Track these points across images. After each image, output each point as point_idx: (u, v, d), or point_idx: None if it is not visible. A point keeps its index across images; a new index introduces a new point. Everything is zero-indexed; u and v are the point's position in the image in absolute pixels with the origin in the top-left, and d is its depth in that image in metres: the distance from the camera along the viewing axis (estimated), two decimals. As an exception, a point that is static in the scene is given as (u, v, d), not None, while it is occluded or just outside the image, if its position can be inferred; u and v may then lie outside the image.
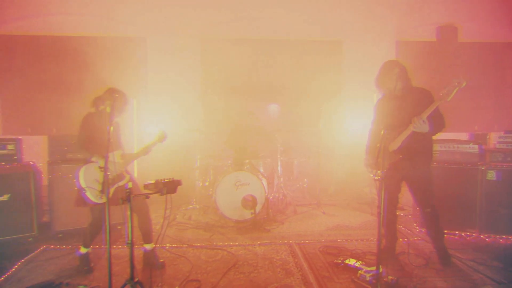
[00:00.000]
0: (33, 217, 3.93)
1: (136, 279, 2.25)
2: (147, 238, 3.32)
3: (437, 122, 3.06)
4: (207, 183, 5.37)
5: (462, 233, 4.09)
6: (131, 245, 2.13)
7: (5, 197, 3.78)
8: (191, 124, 5.95)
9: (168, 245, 3.89)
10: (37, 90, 6.83)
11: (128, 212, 2.15)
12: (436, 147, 4.31)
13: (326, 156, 6.55)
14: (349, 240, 3.99)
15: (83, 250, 3.26)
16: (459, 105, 6.14)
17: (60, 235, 4.07)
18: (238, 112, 6.14)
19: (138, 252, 3.60)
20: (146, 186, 2.27)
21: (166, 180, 2.20)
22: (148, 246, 3.33)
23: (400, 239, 3.98)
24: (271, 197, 5.17)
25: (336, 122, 6.91)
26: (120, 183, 3.03)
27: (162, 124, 6.17)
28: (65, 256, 3.60)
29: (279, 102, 6.96)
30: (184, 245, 3.87)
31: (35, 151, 6.17)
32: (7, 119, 6.83)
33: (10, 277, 3.14)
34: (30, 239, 3.93)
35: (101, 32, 6.76)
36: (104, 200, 2.89)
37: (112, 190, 2.92)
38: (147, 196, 2.27)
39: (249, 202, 4.64)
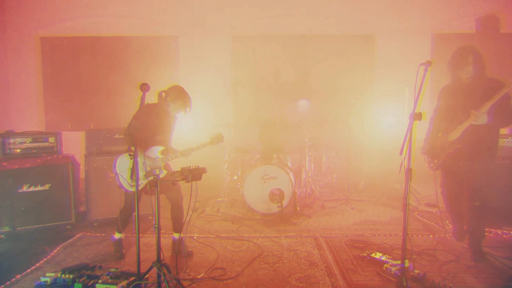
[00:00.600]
0: (71, 206, 4.17)
1: (163, 262, 2.35)
2: (177, 227, 3.43)
3: (502, 115, 2.92)
4: (235, 177, 5.46)
5: (499, 231, 3.91)
6: (158, 228, 2.23)
7: (47, 187, 4.04)
8: (221, 120, 6.05)
9: (196, 235, 4.00)
10: (76, 88, 7.22)
11: (156, 197, 2.24)
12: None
13: (356, 151, 6.47)
14: (376, 235, 3.92)
15: (117, 236, 3.44)
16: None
17: (95, 224, 4.30)
18: (267, 108, 6.18)
19: (168, 241, 3.75)
20: (173, 174, 2.36)
21: (191, 168, 2.28)
22: (176, 235, 3.44)
23: (431, 236, 3.89)
24: (298, 192, 5.17)
25: (367, 117, 6.78)
26: (161, 175, 3.11)
27: (193, 119, 6.34)
28: (100, 243, 3.80)
29: (309, 98, 6.92)
30: (212, 236, 3.97)
31: (74, 145, 6.54)
32: (50, 116, 7.26)
33: (49, 260, 3.36)
34: (69, 226, 4.17)
35: (136, 32, 7.03)
36: (133, 189, 3.03)
37: (144, 182, 3.01)
38: (173, 183, 2.37)
39: (276, 195, 4.67)
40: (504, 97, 2.85)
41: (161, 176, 3.04)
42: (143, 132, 2.96)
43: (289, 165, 5.30)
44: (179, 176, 2.31)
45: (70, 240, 3.86)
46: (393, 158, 6.33)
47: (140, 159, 3.03)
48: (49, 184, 4.05)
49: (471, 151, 3.04)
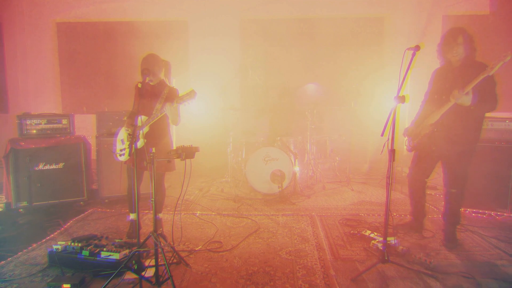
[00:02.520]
0: (84, 184, 4.46)
1: (160, 231, 2.57)
2: (159, 208, 3.60)
3: (484, 98, 2.88)
4: (240, 159, 5.66)
5: (492, 213, 4.01)
6: (154, 202, 2.44)
7: (60, 165, 4.33)
8: (229, 103, 6.22)
9: (199, 212, 4.24)
10: (91, 72, 7.49)
11: (153, 173, 2.45)
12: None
13: (360, 134, 6.56)
14: (370, 215, 4.07)
15: (131, 216, 3.56)
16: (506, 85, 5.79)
17: (106, 201, 4.59)
18: (274, 91, 6.30)
19: (169, 217, 4.00)
20: (169, 153, 2.56)
21: (185, 146, 2.47)
22: (159, 215, 3.60)
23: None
24: (300, 173, 5.33)
25: (373, 101, 6.82)
26: (138, 145, 3.19)
27: (201, 102, 6.54)
28: (109, 218, 4.08)
29: (317, 81, 6.99)
30: (213, 213, 4.20)
31: (89, 127, 6.86)
32: (66, 99, 7.57)
33: (63, 232, 3.66)
34: (82, 202, 4.47)
35: (147, 17, 7.19)
36: (121, 158, 3.32)
37: (127, 151, 3.23)
38: (169, 160, 2.56)
39: (278, 176, 4.85)
40: (489, 81, 2.84)
41: (138, 145, 3.15)
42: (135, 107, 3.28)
43: (292, 147, 5.45)
44: (174, 155, 2.50)
45: (82, 215, 4.16)
46: (398, 142, 6.44)
47: (123, 130, 3.32)
48: (63, 163, 4.34)
49: (448, 134, 3.02)
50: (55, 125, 4.41)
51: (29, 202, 4.17)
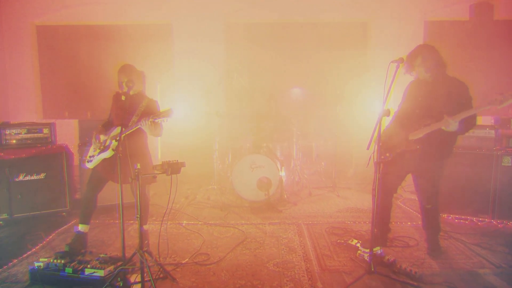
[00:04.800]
0: (66, 194, 4.35)
1: (145, 248, 2.53)
2: (144, 220, 3.48)
3: (469, 123, 2.87)
4: (226, 165, 5.63)
5: (474, 219, 4.09)
6: (140, 218, 2.40)
7: (42, 176, 4.21)
8: (213, 108, 6.19)
9: (185, 222, 4.20)
10: (73, 77, 7.33)
11: (137, 190, 2.41)
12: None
13: (345, 139, 6.61)
14: (356, 222, 4.11)
15: (79, 227, 3.30)
16: (485, 86, 5.93)
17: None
18: (259, 96, 6.29)
19: (157, 227, 3.94)
20: (154, 167, 2.52)
21: (171, 162, 2.44)
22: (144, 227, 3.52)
23: (409, 223, 4.08)
24: (286, 180, 5.34)
25: (358, 105, 6.90)
26: (105, 155, 3.16)
27: (186, 107, 6.48)
28: (93, 229, 3.98)
29: (302, 85, 7.03)
30: (200, 222, 4.17)
31: (68, 133, 6.72)
32: (47, 104, 7.40)
33: (45, 245, 3.56)
34: (64, 213, 4.36)
35: (131, 19, 7.08)
36: (88, 165, 3.29)
37: (96, 160, 3.21)
38: (154, 176, 2.52)
39: (264, 183, 4.85)
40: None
41: (105, 155, 3.14)
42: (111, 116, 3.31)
43: (278, 154, 5.46)
44: (160, 170, 2.47)
45: (65, 226, 4.06)
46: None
47: (95, 140, 3.30)
48: (44, 173, 4.23)
49: (429, 153, 3.01)
50: (35, 135, 4.29)
51: (9, 214, 4.04)
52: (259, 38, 7.13)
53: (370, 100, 6.86)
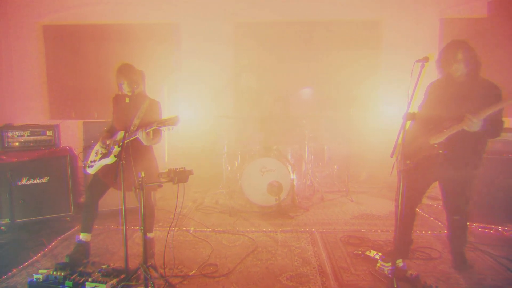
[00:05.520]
0: (70, 198, 4.21)
1: (150, 263, 2.36)
2: (149, 227, 3.34)
3: (493, 126, 2.61)
4: (235, 168, 5.44)
5: (499, 228, 3.84)
6: (144, 230, 2.23)
7: (45, 179, 4.07)
8: (222, 110, 6.01)
9: (192, 228, 4.02)
10: (80, 77, 7.21)
11: (141, 198, 2.23)
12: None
13: (358, 142, 6.39)
14: (373, 230, 3.89)
15: (81, 236, 3.12)
16: (507, 86, 5.66)
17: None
18: (269, 97, 6.11)
19: (163, 234, 3.77)
20: (160, 175, 2.34)
21: (177, 170, 2.25)
22: (149, 235, 3.34)
23: (429, 232, 3.85)
24: (297, 184, 5.14)
25: (370, 107, 6.67)
26: (107, 161, 3.00)
27: (193, 109, 6.32)
28: (98, 235, 3.83)
29: (312, 86, 6.82)
30: (208, 229, 3.98)
31: (75, 134, 6.59)
32: (54, 105, 7.29)
33: (46, 253, 3.41)
34: (68, 218, 4.22)
35: (138, 19, 6.93)
36: (89, 170, 3.12)
37: (97, 166, 3.04)
38: (159, 185, 2.34)
39: (275, 188, 4.65)
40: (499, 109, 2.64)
41: (107, 162, 2.99)
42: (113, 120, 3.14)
43: (289, 156, 5.26)
44: (166, 178, 2.29)
45: (68, 232, 3.91)
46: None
47: (102, 144, 3.12)
48: (48, 177, 4.09)
49: (454, 158, 2.77)
50: (39, 137, 4.15)
51: (11, 219, 3.91)
52: (268, 38, 6.92)
53: (383, 102, 6.63)
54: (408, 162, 2.99)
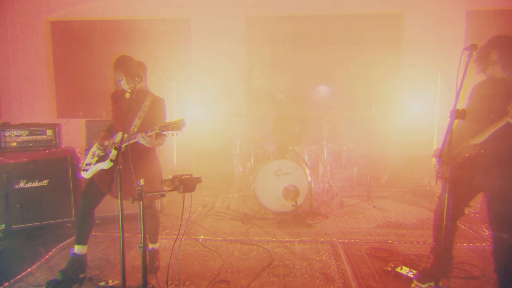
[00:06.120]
0: (71, 203, 3.92)
1: (151, 284, 2.03)
2: (153, 238, 3.02)
3: None
4: (248, 170, 5.09)
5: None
6: (144, 247, 1.90)
7: (44, 183, 3.79)
8: (234, 108, 5.67)
9: (202, 237, 3.69)
10: (88, 74, 6.97)
11: (141, 211, 1.90)
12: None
13: (379, 142, 5.99)
14: (401, 242, 3.49)
15: (75, 249, 2.79)
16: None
17: (97, 221, 4.00)
18: (283, 95, 5.76)
19: (170, 243, 3.45)
20: (163, 182, 2.01)
21: (183, 177, 1.92)
22: (153, 246, 3.02)
23: (465, 244, 3.44)
24: (315, 187, 4.78)
25: (391, 106, 6.25)
26: (103, 166, 2.67)
27: (204, 107, 6.00)
28: (100, 243, 3.54)
29: (329, 83, 6.44)
30: (218, 238, 3.64)
31: (78, 134, 6.35)
32: (61, 103, 7.07)
33: (42, 264, 3.12)
34: (69, 224, 3.93)
35: (147, 14, 6.67)
36: (83, 174, 2.78)
37: (92, 170, 2.72)
38: (162, 194, 2.01)
39: (291, 192, 4.30)
40: None
41: (103, 166, 2.65)
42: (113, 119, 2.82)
43: (306, 158, 4.89)
44: (170, 186, 1.95)
45: (68, 240, 3.62)
46: (420, 150, 5.86)
47: (100, 146, 2.80)
48: (47, 180, 3.80)
49: (498, 158, 2.36)
50: (38, 137, 3.87)
51: (7, 225, 3.63)
52: (283, 33, 6.57)
53: (406, 99, 6.21)
54: (445, 167, 2.59)
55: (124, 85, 2.69)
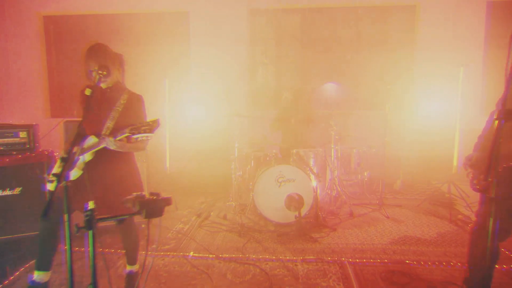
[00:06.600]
0: (48, 213, 3.49)
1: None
2: (131, 259, 2.58)
3: None
4: (247, 176, 4.63)
5: None
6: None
7: (17, 191, 3.38)
8: (234, 107, 5.23)
9: (192, 253, 3.24)
10: (82, 70, 6.58)
11: (90, 242, 1.47)
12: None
13: (392, 144, 5.49)
14: (422, 262, 3.01)
15: (35, 275, 2.35)
16: None
17: (77, 234, 3.61)
18: (289, 93, 5.30)
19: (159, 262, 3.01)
20: (126, 202, 1.57)
21: (146, 198, 1.47)
22: (131, 268, 2.60)
23: (497, 266, 2.94)
24: (321, 195, 4.31)
25: (405, 105, 5.75)
26: (70, 176, 2.22)
27: (201, 107, 5.57)
28: (80, 259, 3.11)
29: (338, 80, 5.96)
30: (211, 256, 3.19)
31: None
32: (55, 102, 6.71)
33: (5, 287, 2.71)
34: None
35: (144, 8, 6.25)
36: (48, 186, 2.37)
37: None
38: (119, 221, 1.56)
39: (294, 202, 3.82)
40: None
41: (72, 175, 2.20)
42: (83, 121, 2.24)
43: (312, 162, 4.42)
44: (131, 207, 1.51)
45: (41, 257, 3.20)
46: (438, 153, 5.35)
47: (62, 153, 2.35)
48: (20, 188, 3.39)
49: None
50: (10, 140, 3.45)
51: (-26, 239, 3.23)
52: (288, 26, 6.10)
53: (420, 99, 5.71)
54: (482, 177, 2.11)
55: (95, 77, 2.25)
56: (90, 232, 1.44)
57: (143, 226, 3.80)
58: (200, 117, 5.54)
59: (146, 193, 1.57)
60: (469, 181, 2.29)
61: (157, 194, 1.48)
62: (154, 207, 1.43)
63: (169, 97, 5.00)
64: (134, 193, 1.58)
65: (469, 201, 4.42)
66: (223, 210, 4.43)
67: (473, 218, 4.14)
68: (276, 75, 6.13)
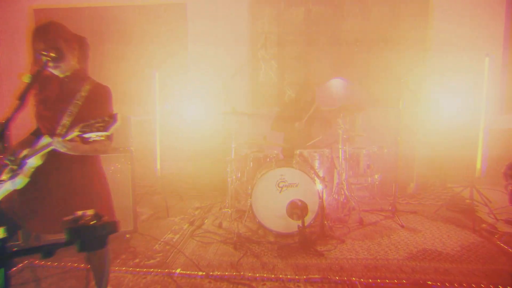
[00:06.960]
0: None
1: None
2: (99, 282, 2.11)
3: None
4: (245, 179, 4.20)
5: None
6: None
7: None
8: (232, 105, 4.81)
9: (178, 270, 2.83)
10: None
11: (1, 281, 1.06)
12: None
13: (405, 144, 5.02)
14: (447, 284, 2.55)
15: None
16: None
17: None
18: (292, 89, 4.87)
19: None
20: (62, 224, 1.15)
21: (80, 223, 1.05)
22: None
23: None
24: (328, 200, 3.88)
25: (421, 100, 5.27)
26: (13, 186, 1.80)
27: (198, 103, 5.17)
28: (50, 277, 2.73)
29: (345, 76, 5.51)
30: (200, 273, 2.77)
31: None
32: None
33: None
34: (15, 248, 3.12)
35: (139, 0, 5.87)
36: None
37: (3, 189, 1.81)
38: (45, 256, 1.14)
39: (297, 209, 3.37)
40: None
41: (14, 186, 1.80)
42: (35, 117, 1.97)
43: (317, 164, 3.99)
44: (63, 233, 1.09)
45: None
46: (455, 153, 4.88)
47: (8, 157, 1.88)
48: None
49: None
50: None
51: None
52: (292, 19, 5.66)
53: (439, 92, 5.23)
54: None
55: (48, 64, 1.84)
56: (2, 270, 1.01)
57: (127, 236, 3.41)
58: (197, 115, 5.13)
59: (93, 212, 1.16)
60: (507, 193, 1.88)
61: (99, 218, 1.06)
62: (91, 236, 1.01)
63: (160, 92, 4.57)
64: (80, 212, 1.17)
65: (490, 205, 3.96)
66: (219, 217, 4.01)
67: (499, 225, 3.69)
68: (278, 69, 5.70)
